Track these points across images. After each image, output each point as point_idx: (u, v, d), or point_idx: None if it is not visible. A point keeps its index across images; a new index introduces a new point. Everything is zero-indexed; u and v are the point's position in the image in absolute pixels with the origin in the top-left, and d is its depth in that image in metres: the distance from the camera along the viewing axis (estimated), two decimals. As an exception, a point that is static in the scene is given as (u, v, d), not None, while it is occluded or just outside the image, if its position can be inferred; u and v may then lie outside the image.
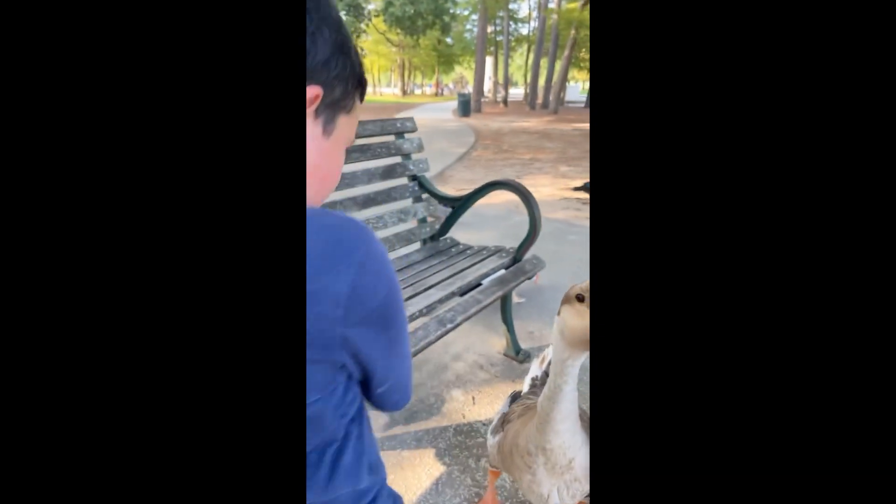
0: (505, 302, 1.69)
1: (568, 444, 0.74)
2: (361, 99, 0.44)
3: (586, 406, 1.00)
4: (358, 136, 1.64)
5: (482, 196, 1.68)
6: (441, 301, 1.30)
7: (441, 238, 1.85)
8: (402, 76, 35.72)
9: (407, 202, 1.79)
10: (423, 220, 1.83)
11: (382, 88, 47.73)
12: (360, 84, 0.42)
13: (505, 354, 1.74)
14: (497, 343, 1.82)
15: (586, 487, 0.77)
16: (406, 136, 1.82)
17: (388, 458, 1.26)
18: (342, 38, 0.39)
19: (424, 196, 1.83)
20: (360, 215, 1.63)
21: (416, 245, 1.85)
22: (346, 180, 1.54)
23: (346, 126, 0.42)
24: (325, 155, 0.41)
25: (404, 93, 35.22)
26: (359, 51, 0.37)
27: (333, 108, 0.40)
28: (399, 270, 1.60)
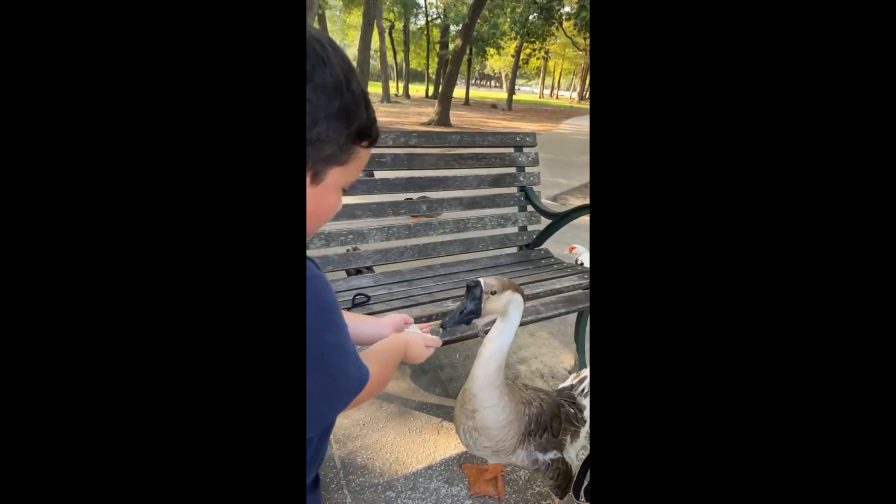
0: (580, 320, 1.72)
1: (475, 393, 0.91)
2: (371, 145, 0.47)
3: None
4: (477, 146, 1.86)
5: (576, 217, 1.74)
6: (504, 302, 1.44)
7: (535, 248, 1.95)
8: (583, 81, 34.56)
9: (511, 209, 1.95)
10: (522, 228, 1.97)
11: (561, 92, 47.04)
12: (362, 138, 0.45)
13: (569, 371, 1.78)
14: (566, 359, 1.86)
15: (485, 442, 0.93)
16: (524, 149, 1.97)
17: (430, 422, 1.48)
18: (341, 103, 0.41)
19: (529, 207, 1.96)
20: (462, 215, 1.86)
21: (513, 249, 2.00)
22: (458, 182, 1.77)
23: (339, 174, 0.45)
24: (310, 199, 0.43)
25: (581, 98, 34.08)
26: (371, 105, 0.45)
27: (325, 162, 0.43)
28: (486, 269, 1.78)
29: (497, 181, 1.89)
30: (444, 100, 11.75)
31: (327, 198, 0.46)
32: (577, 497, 0.85)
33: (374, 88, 16.83)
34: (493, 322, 0.93)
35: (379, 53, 16.87)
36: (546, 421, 0.98)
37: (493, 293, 0.86)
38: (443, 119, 11.52)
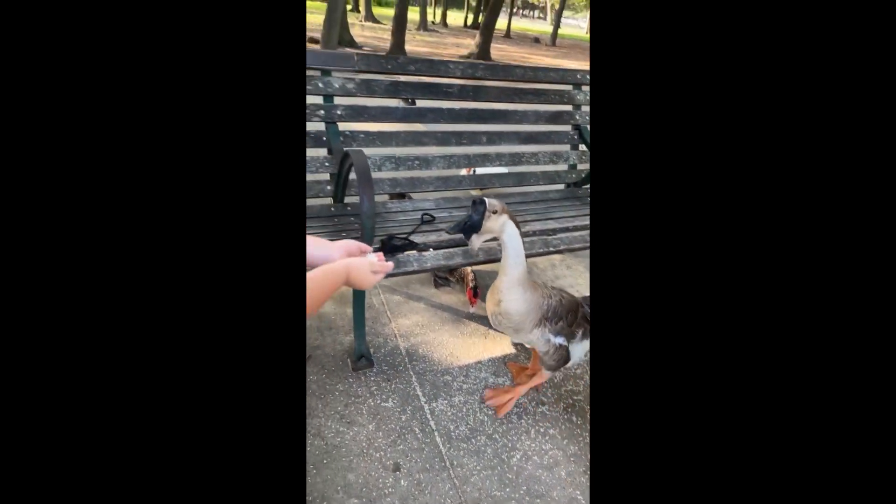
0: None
1: (500, 288, 1.13)
2: None
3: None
4: (539, 81, 1.91)
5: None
6: (553, 231, 1.59)
7: (584, 186, 2.06)
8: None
9: (563, 147, 2.03)
10: (573, 166, 2.06)
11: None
12: None
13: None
14: (601, 290, 2.04)
15: (507, 323, 1.17)
16: (583, 87, 2.01)
17: (478, 329, 1.71)
18: None
19: (581, 146, 2.04)
20: (518, 149, 1.96)
21: (560, 186, 2.11)
22: (517, 117, 1.86)
23: None
24: None
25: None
26: None
27: None
28: (534, 202, 1.91)
29: (553, 118, 1.96)
30: (486, 31, 11.12)
31: None
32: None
33: (412, 14, 15.96)
34: (486, 243, 1.08)
35: (418, -26, 15.82)
36: (562, 312, 1.22)
37: (495, 212, 1.02)
38: (483, 52, 10.99)
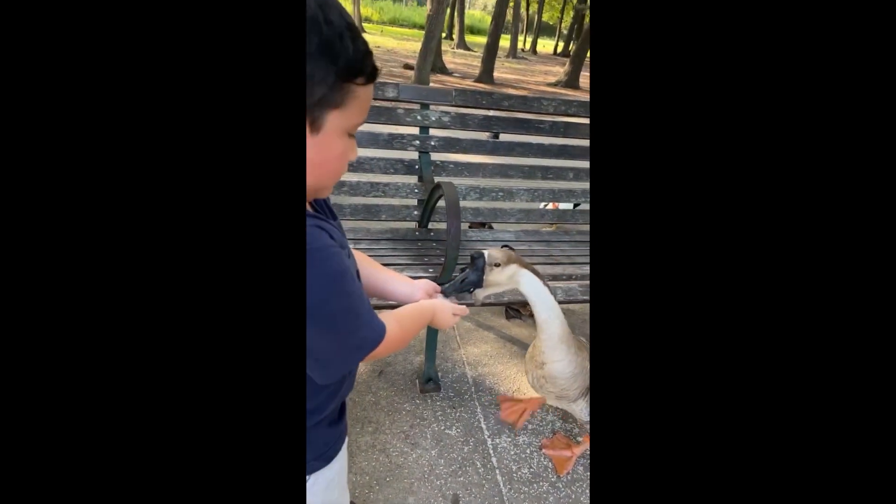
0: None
1: (542, 349, 1.01)
2: (369, 81, 0.44)
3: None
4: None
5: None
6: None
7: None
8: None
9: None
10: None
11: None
12: (354, 74, 0.42)
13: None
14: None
15: (550, 388, 1.05)
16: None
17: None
18: (320, 39, 0.39)
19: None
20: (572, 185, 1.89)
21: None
22: (570, 152, 1.74)
23: (339, 118, 0.43)
24: (313, 148, 0.43)
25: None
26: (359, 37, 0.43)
27: (319, 106, 0.41)
28: (578, 242, 1.78)
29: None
30: (577, 59, 11.06)
31: (332, 145, 0.45)
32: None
33: (502, 41, 16.41)
34: (494, 294, 0.94)
35: (512, 4, 16.25)
36: None
37: (497, 265, 0.90)
38: (572, 80, 10.92)
